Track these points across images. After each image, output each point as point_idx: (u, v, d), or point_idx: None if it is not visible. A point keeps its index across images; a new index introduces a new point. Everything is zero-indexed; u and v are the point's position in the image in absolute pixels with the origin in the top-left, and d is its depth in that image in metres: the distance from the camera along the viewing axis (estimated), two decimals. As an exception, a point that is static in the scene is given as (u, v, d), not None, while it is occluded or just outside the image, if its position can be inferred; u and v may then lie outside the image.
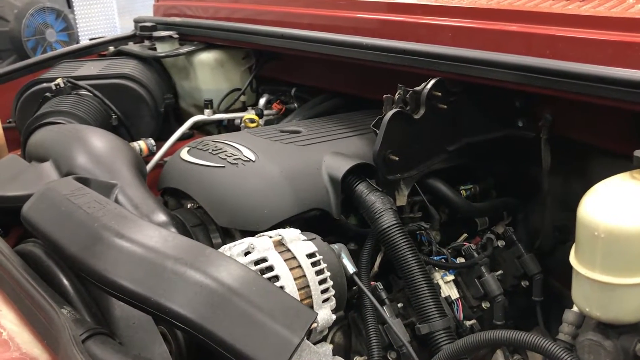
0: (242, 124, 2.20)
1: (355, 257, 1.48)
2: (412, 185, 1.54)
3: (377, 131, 1.39)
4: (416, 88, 1.44)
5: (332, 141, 1.53)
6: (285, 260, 1.17)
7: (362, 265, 1.40)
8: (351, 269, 1.30)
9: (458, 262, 1.58)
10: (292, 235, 1.23)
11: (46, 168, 1.51)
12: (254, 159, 1.38)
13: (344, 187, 1.40)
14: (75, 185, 1.23)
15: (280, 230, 1.25)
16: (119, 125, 2.05)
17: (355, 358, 1.32)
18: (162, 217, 1.35)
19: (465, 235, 1.67)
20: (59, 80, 1.94)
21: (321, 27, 1.80)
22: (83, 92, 1.99)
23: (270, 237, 1.23)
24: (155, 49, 2.38)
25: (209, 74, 2.31)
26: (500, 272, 1.62)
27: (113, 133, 2.01)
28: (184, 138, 2.24)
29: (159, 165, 1.99)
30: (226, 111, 2.25)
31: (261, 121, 2.20)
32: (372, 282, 1.41)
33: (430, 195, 1.60)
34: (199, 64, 2.30)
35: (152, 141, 1.77)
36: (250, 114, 2.11)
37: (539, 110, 1.49)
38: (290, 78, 2.29)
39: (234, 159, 1.38)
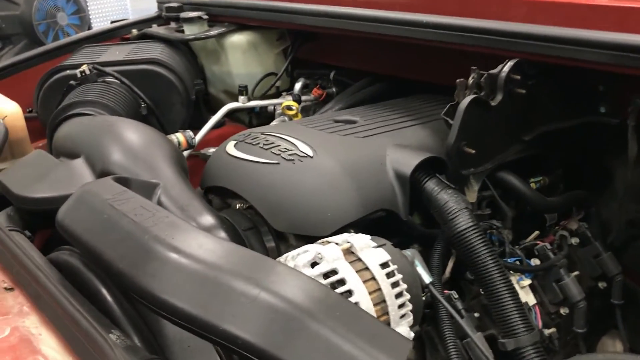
0: (279, 111, 2.05)
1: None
2: (483, 179, 1.38)
3: (450, 121, 1.23)
4: (492, 71, 1.28)
5: (393, 132, 1.38)
6: (357, 272, 1.03)
7: (433, 271, 1.25)
8: (427, 278, 1.15)
9: (533, 263, 1.43)
10: (362, 242, 1.08)
11: (78, 166, 1.36)
12: (311, 154, 1.23)
13: (411, 184, 1.25)
14: (116, 188, 1.09)
15: (347, 236, 1.10)
16: (148, 114, 1.90)
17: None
18: (210, 219, 1.20)
19: (537, 232, 1.51)
20: (84, 67, 1.79)
21: (369, 3, 1.63)
22: (110, 79, 1.84)
23: (338, 244, 1.09)
24: (182, 32, 2.22)
25: (240, 57, 2.15)
26: (576, 273, 1.47)
27: (143, 120, 1.89)
28: (216, 127, 2.09)
29: (192, 156, 1.84)
30: (261, 97, 2.10)
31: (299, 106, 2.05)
32: (445, 291, 1.26)
33: (499, 189, 1.45)
34: (231, 47, 2.13)
35: (190, 133, 1.62)
36: (288, 101, 1.96)
37: (627, 95, 1.32)
38: (329, 60, 2.12)
39: (290, 155, 1.23)
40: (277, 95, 2.18)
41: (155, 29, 2.30)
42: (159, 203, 1.22)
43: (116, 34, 2.35)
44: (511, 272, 1.38)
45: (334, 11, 1.69)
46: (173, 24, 2.30)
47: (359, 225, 1.24)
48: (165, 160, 1.33)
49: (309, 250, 1.06)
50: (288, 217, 1.17)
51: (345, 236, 1.11)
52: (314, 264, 1.03)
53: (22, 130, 1.79)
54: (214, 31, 2.11)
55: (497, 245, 1.43)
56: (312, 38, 2.06)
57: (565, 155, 1.57)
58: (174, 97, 1.94)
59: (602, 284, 1.52)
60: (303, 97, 2.07)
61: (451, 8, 1.46)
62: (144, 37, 2.30)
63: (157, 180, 1.25)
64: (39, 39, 6.03)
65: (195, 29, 2.15)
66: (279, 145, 1.26)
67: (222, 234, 1.18)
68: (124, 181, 1.18)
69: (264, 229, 1.24)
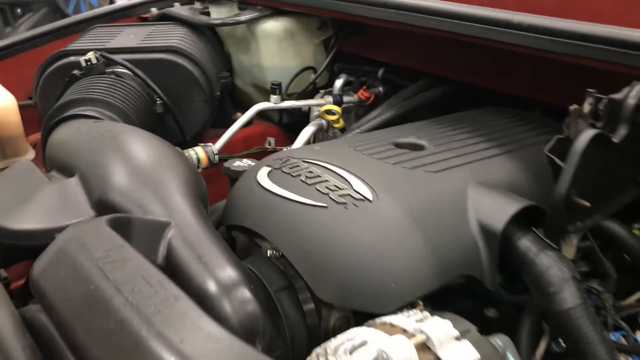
0: (316, 113, 1.74)
1: (495, 328, 1.04)
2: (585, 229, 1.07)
3: (559, 161, 0.92)
4: (614, 96, 0.96)
5: (474, 164, 1.07)
6: (437, 381, 0.74)
7: (522, 354, 0.95)
8: (523, 378, 0.86)
9: (639, 336, 1.12)
10: (442, 333, 0.79)
11: (71, 188, 1.08)
12: (370, 197, 0.92)
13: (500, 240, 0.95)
14: (112, 240, 0.80)
15: (420, 322, 0.80)
16: (164, 112, 1.61)
17: None
18: (232, 275, 0.91)
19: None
20: (90, 55, 1.50)
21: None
22: (120, 69, 1.55)
23: (406, 331, 0.80)
24: (208, 14, 1.91)
25: (275, 47, 1.84)
26: (689, 349, 1.16)
27: (157, 120, 1.61)
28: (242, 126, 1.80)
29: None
30: (297, 97, 1.79)
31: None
32: (534, 382, 0.97)
33: (598, 240, 1.14)
34: (263, 35, 1.82)
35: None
36: (328, 105, 1.65)
37: None
38: (377, 55, 1.81)
39: (341, 196, 0.93)
40: (314, 92, 1.88)
41: (177, 8, 2.00)
42: (170, 248, 0.94)
43: (132, 13, 2.06)
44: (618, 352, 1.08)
45: (400, 2, 1.37)
46: (198, 4, 2.00)
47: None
48: (180, 187, 1.04)
49: (367, 343, 0.77)
50: (336, 284, 0.87)
51: (413, 320, 0.81)
52: (378, 365, 0.74)
53: (15, 126, 1.51)
54: (245, 16, 1.80)
55: (594, 312, 1.13)
56: (361, 28, 1.74)
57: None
58: (195, 92, 1.65)
59: None
60: (345, 98, 1.76)
61: (551, 6, 1.14)
62: (164, 17, 2.00)
63: (167, 219, 0.97)
64: (59, 7, 5.76)
65: (223, 11, 1.84)
66: (327, 181, 0.96)
67: (247, 294, 0.90)
68: (124, 223, 0.90)
69: (300, 284, 0.95)
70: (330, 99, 1.73)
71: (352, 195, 0.93)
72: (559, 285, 0.90)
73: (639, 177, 1.08)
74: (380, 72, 1.79)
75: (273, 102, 1.70)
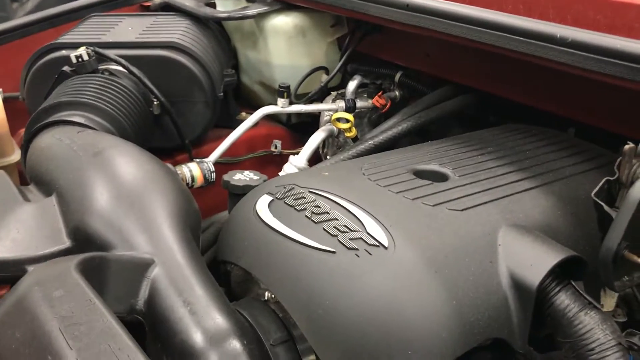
0: (326, 118, 1.61)
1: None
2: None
3: (608, 209, 0.79)
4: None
5: (503, 199, 0.93)
6: None
7: None
8: None
9: (680, 400, 0.99)
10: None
11: (47, 210, 0.96)
12: (386, 244, 0.79)
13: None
14: (79, 295, 0.68)
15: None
16: (161, 114, 1.48)
17: None
18: (221, 324, 0.79)
19: (680, 345, 1.07)
20: (81, 51, 1.37)
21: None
22: (114, 66, 1.42)
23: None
24: (214, 5, 1.77)
25: (284, 44, 1.70)
26: None
27: (154, 122, 1.48)
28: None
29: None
30: (306, 100, 1.65)
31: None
32: None
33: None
34: (272, 31, 1.69)
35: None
36: (340, 113, 1.51)
37: None
38: (395, 58, 1.66)
39: (352, 240, 0.80)
40: (326, 93, 1.74)
41: (181, -1, 1.86)
42: (153, 291, 0.82)
43: (134, 1, 1.92)
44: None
45: (418, 3, 1.23)
46: (203, -5, 1.86)
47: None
48: (169, 216, 0.92)
49: None
50: (344, 347, 0.75)
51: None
52: None
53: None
54: (253, 10, 1.66)
55: (631, 370, 1.01)
56: (379, 29, 1.60)
57: None
58: (196, 94, 1.52)
59: None
60: (358, 103, 1.62)
61: (599, 20, 1.00)
62: (167, 7, 1.86)
63: (151, 255, 0.84)
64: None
65: (229, 4, 1.71)
66: (337, 220, 0.83)
67: (238, 348, 0.78)
68: (98, 264, 0.78)
69: (299, 331, 0.83)
70: (342, 104, 1.60)
71: (365, 239, 0.80)
72: (601, 352, 0.78)
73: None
74: (398, 76, 1.65)
75: (280, 106, 1.57)
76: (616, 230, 0.76)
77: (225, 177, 1.14)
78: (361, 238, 0.80)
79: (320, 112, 1.69)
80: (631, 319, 1.04)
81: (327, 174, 0.98)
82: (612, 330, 0.80)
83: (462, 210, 0.88)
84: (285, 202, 0.89)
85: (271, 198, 0.92)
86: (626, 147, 0.81)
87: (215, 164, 1.39)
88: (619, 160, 0.82)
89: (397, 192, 0.90)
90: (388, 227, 0.82)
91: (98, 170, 0.96)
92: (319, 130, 1.62)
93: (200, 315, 0.80)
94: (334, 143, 1.70)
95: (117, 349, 0.60)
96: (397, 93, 1.68)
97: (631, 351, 0.98)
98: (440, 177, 0.98)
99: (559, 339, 0.83)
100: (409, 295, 0.76)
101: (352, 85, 1.69)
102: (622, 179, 0.81)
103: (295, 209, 0.87)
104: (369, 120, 1.73)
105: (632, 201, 0.75)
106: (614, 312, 1.02)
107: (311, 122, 1.80)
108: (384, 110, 1.61)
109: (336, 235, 0.81)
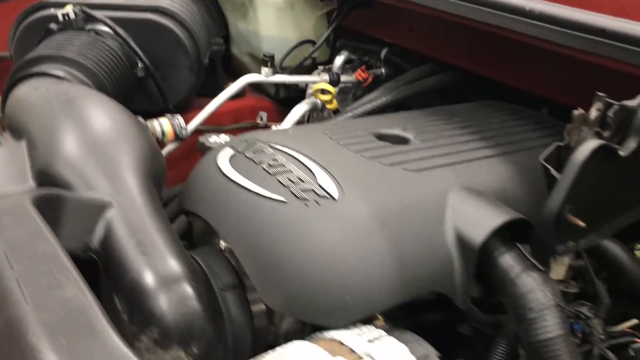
0: (310, 91, 1.63)
1: (468, 346, 0.94)
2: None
3: (554, 172, 0.80)
4: (627, 103, 0.84)
5: (461, 165, 0.95)
6: (379, 416, 0.64)
7: (490, 383, 0.85)
8: (485, 416, 0.76)
9: (626, 371, 1.01)
10: (391, 357, 0.69)
11: (17, 154, 0.98)
12: (335, 195, 0.81)
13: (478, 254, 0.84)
14: (30, 224, 0.70)
15: (370, 343, 0.70)
16: (145, 76, 1.50)
17: None
18: (173, 266, 0.82)
19: (634, 321, 1.09)
20: (68, 9, 1.40)
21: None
22: (101, 27, 1.44)
23: (354, 351, 0.70)
24: (206, -25, 1.79)
25: (273, 16, 1.71)
26: (682, 387, 1.05)
27: (137, 85, 1.50)
28: (233, 97, 1.68)
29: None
30: (291, 71, 1.67)
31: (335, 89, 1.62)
32: (504, 417, 0.87)
33: (593, 259, 1.03)
34: (262, 2, 1.70)
35: (181, 121, 1.22)
36: (322, 84, 1.53)
37: None
38: (382, 34, 1.67)
39: (304, 191, 0.82)
40: (313, 67, 1.75)
41: (175, -34, 1.87)
42: (109, 232, 0.84)
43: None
44: (599, 386, 0.97)
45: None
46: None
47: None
48: (132, 163, 0.94)
49: (309, 363, 0.67)
50: (285, 290, 0.77)
51: (365, 340, 0.71)
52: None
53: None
54: (243, -20, 1.68)
55: (579, 338, 1.03)
56: (367, 3, 1.61)
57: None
58: (181, 59, 1.54)
59: None
60: (343, 77, 1.63)
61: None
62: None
63: (110, 198, 0.87)
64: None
65: (221, -27, 1.72)
66: (291, 172, 0.85)
67: (187, 290, 0.80)
68: (54, 201, 0.80)
69: (250, 282, 0.85)
70: (326, 77, 1.61)
71: (316, 190, 0.82)
72: (539, 312, 0.80)
73: (646, 197, 0.95)
74: (383, 53, 1.66)
75: (264, 75, 1.59)
76: (558, 191, 0.78)
77: (201, 139, 1.17)
78: (312, 189, 0.82)
79: (307, 87, 1.71)
80: (585, 293, 1.06)
81: (291, 132, 1.00)
82: (553, 292, 0.82)
83: (416, 170, 0.90)
84: (245, 155, 0.92)
85: (233, 152, 0.94)
86: (575, 112, 0.82)
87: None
88: (569, 126, 0.83)
89: (355, 151, 0.92)
90: (340, 181, 0.84)
91: (68, 117, 0.99)
92: (302, 102, 1.63)
93: (152, 256, 0.82)
94: (318, 117, 1.72)
95: (56, 271, 0.62)
96: (382, 70, 1.70)
97: (579, 320, 1.00)
98: (401, 141, 1.00)
99: (501, 298, 0.86)
100: (352, 245, 0.78)
101: (339, 60, 1.70)
102: (571, 145, 0.82)
103: (253, 161, 0.89)
104: (353, 96, 1.74)
105: (575, 163, 0.77)
106: (567, 283, 1.04)
107: (299, 97, 1.80)
108: (365, 84, 1.62)
109: (288, 186, 0.83)
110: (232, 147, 0.95)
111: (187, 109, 1.65)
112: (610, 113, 0.83)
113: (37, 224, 0.70)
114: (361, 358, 0.69)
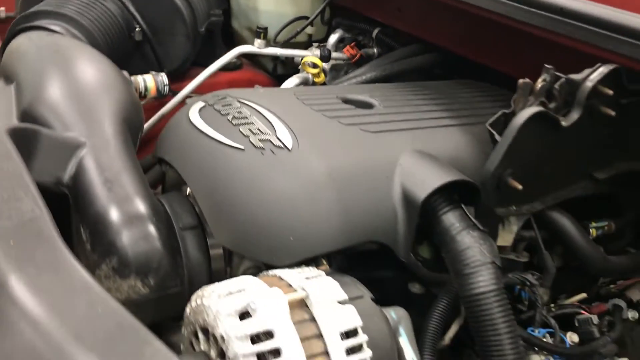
0: (300, 67, 1.68)
1: (419, 306, 0.99)
2: (528, 217, 1.01)
3: (497, 136, 0.85)
4: (573, 76, 0.88)
5: (418, 130, 1.00)
6: (303, 341, 0.70)
7: (429, 335, 0.90)
8: (411, 356, 0.81)
9: (569, 339, 1.06)
10: (325, 294, 0.75)
11: (5, 95, 1.05)
12: (290, 146, 0.87)
13: (423, 212, 0.89)
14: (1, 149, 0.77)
15: (307, 279, 0.76)
16: (143, 41, 1.56)
17: None
18: (137, 205, 0.88)
19: (582, 295, 1.14)
20: (71, -30, 1.45)
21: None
22: (102, -11, 1.51)
23: (291, 285, 0.75)
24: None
25: (271, -9, 1.77)
26: (625, 360, 1.10)
27: (134, 49, 1.56)
28: (229, 69, 1.75)
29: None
30: (284, 44, 1.72)
31: (326, 65, 1.68)
32: (437, 365, 0.92)
33: (546, 231, 1.07)
34: (261, -23, 1.76)
35: (164, 78, 1.28)
36: (312, 57, 1.58)
37: None
38: (375, 14, 1.72)
39: (261, 140, 0.88)
40: (309, 44, 1.81)
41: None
42: (79, 169, 0.90)
43: None
44: (535, 348, 1.02)
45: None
46: None
47: (342, 251, 0.91)
48: (111, 110, 1.00)
49: (244, 293, 0.73)
50: (233, 229, 0.83)
51: (303, 277, 0.77)
52: (243, 315, 0.70)
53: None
54: (244, -47, 1.73)
55: (525, 306, 1.07)
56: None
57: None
58: (178, 26, 1.60)
59: (656, 380, 1.14)
60: (335, 54, 1.68)
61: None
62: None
63: (84, 139, 0.93)
64: None
65: (224, -54, 1.77)
66: (252, 124, 0.91)
67: (148, 229, 0.87)
68: (29, 135, 0.87)
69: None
70: (317, 52, 1.66)
71: (273, 141, 0.88)
72: (475, 268, 0.85)
73: (595, 173, 1.00)
74: (375, 32, 1.71)
75: (257, 47, 1.64)
76: (497, 153, 0.83)
77: (188, 101, 1.23)
78: (269, 140, 0.88)
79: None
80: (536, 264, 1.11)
81: (262, 91, 1.06)
82: (490, 251, 0.87)
83: (373, 132, 0.95)
84: (214, 108, 0.97)
85: (204, 104, 1.00)
86: (521, 81, 0.87)
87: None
88: (515, 95, 0.88)
89: (317, 110, 0.98)
90: (296, 134, 0.89)
91: (54, 64, 1.05)
92: (294, 76, 1.69)
93: (117, 193, 0.88)
94: (309, 92, 1.77)
95: (17, 187, 0.68)
96: (375, 50, 1.74)
97: (526, 287, 1.05)
98: (366, 106, 1.05)
99: (443, 254, 0.91)
100: (299, 191, 0.84)
101: (333, 38, 1.76)
102: (516, 112, 0.87)
103: (220, 113, 0.95)
104: (345, 74, 1.79)
105: (513, 127, 0.82)
106: (518, 253, 1.09)
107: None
108: (353, 61, 1.67)
109: (248, 136, 0.89)
110: (204, 101, 1.01)
111: (183, 78, 1.71)
112: (556, 85, 0.88)
113: (7, 148, 0.76)
114: (295, 290, 0.74)
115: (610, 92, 0.86)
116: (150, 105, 1.43)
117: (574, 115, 0.87)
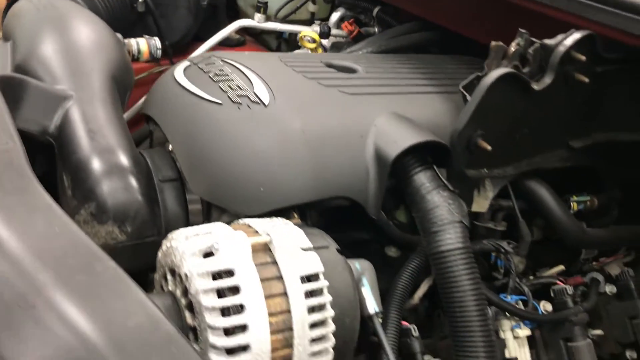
0: (299, 42, 1.70)
1: (396, 269, 1.01)
2: (504, 185, 1.02)
3: (468, 97, 0.87)
4: (547, 41, 0.89)
5: (397, 95, 1.02)
6: (263, 281, 0.72)
7: (396, 293, 0.93)
8: (372, 306, 0.83)
9: (543, 308, 1.07)
10: (288, 240, 0.77)
11: (3, 51, 1.09)
12: (266, 101, 0.90)
13: (395, 172, 0.90)
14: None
15: (274, 227, 0.79)
16: (146, 12, 1.60)
17: None
18: (118, 156, 0.91)
19: (560, 267, 1.15)
20: (77, -62, 1.49)
21: None
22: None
23: (257, 232, 0.78)
24: None
25: (275, -33, 1.79)
26: (599, 332, 1.10)
27: (137, 20, 1.60)
28: (231, 45, 1.78)
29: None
30: (284, 20, 1.75)
31: (326, 42, 1.70)
32: (404, 322, 0.94)
33: (525, 202, 1.08)
34: (266, -47, 1.78)
35: (157, 42, 1.31)
36: (310, 31, 1.60)
37: None
38: (375, -8, 1.73)
39: (239, 96, 0.90)
40: (311, 23, 1.83)
41: None
42: (65, 119, 0.94)
43: None
44: (507, 314, 1.03)
45: None
46: None
47: (316, 208, 0.93)
48: (101, 68, 1.04)
49: (211, 233, 0.76)
50: (207, 179, 0.86)
51: (271, 225, 0.80)
52: (207, 254, 0.73)
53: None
54: None
55: (501, 273, 1.09)
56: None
57: (629, 175, 1.17)
58: (180, -2, 1.63)
59: (631, 354, 1.15)
60: (334, 31, 1.70)
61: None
62: None
63: (72, 92, 0.96)
64: None
65: None
66: (232, 80, 0.94)
67: (128, 181, 0.90)
68: (17, 84, 0.90)
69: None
70: (317, 28, 1.68)
71: (250, 97, 0.90)
72: (442, 226, 0.86)
73: (571, 142, 1.00)
74: (375, 10, 1.72)
75: (257, 21, 1.67)
76: (465, 112, 0.84)
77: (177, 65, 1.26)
78: (247, 96, 0.90)
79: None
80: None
81: (247, 54, 1.08)
82: (459, 210, 0.88)
83: (351, 94, 0.97)
84: (198, 66, 1.00)
85: (189, 64, 1.03)
86: (493, 43, 0.88)
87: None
88: (488, 58, 0.89)
89: (298, 72, 1.00)
90: (274, 91, 0.92)
91: (50, 23, 1.09)
92: (294, 52, 1.71)
93: (100, 143, 0.92)
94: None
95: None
96: (375, 29, 1.76)
97: (501, 255, 1.06)
98: (348, 71, 1.07)
99: (413, 214, 0.92)
100: (272, 145, 0.86)
101: (335, 16, 1.77)
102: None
103: (203, 70, 0.98)
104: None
105: (483, 86, 0.83)
106: (496, 222, 1.10)
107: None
108: (351, 37, 1.68)
109: (226, 92, 0.91)
110: (190, 60, 1.04)
111: (185, 52, 1.75)
112: (530, 50, 0.89)
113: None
114: (260, 235, 0.77)
115: (583, 57, 0.87)
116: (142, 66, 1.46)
117: (547, 80, 0.88)
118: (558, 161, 1.02)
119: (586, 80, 0.89)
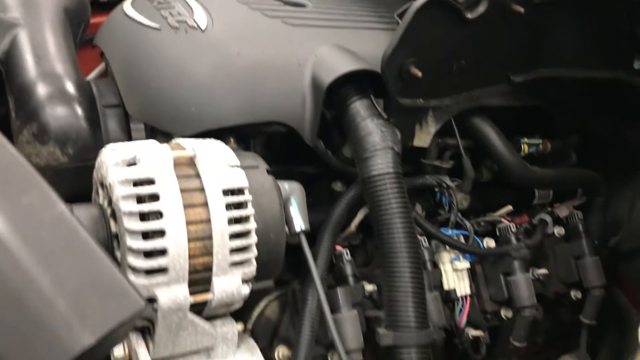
0: None
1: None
2: (447, 120, 1.03)
3: (400, 22, 0.88)
4: (482, -32, 0.90)
5: (343, 30, 1.03)
6: (184, 192, 0.74)
7: (332, 219, 0.95)
8: (298, 224, 0.85)
9: (485, 245, 1.09)
10: (214, 156, 0.79)
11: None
12: (204, 27, 0.91)
13: (331, 101, 0.92)
14: None
15: (201, 144, 0.81)
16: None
17: (277, 348, 0.91)
18: (63, 81, 0.93)
19: (508, 207, 1.16)
20: None
21: None
22: None
23: (184, 148, 0.80)
24: None
25: None
26: (544, 271, 1.12)
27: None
28: None
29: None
30: None
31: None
32: (338, 247, 0.96)
33: (473, 141, 1.09)
34: None
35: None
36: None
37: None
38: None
39: (177, 21, 0.92)
40: None
41: None
42: (13, 45, 0.96)
43: None
44: (447, 247, 1.05)
45: None
46: None
47: (258, 138, 0.96)
48: (55, 3, 1.05)
49: (135, 146, 0.78)
50: (142, 99, 0.88)
51: (199, 142, 0.82)
52: (131, 165, 0.75)
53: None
54: None
55: (445, 210, 1.10)
56: None
57: (581, 121, 1.18)
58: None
59: (575, 294, 1.17)
60: None
61: None
62: None
63: (22, 21, 0.98)
64: None
65: None
66: (173, 7, 0.95)
67: (72, 107, 0.92)
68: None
69: None
70: None
71: (188, 22, 0.92)
72: (374, 152, 0.88)
73: (511, 76, 1.01)
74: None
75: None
76: (394, 37, 0.85)
77: None
78: (185, 21, 0.92)
79: None
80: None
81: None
82: (392, 138, 0.90)
83: (294, 25, 0.99)
84: (147, -1, 1.02)
85: (139, -4, 1.05)
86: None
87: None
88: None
89: (243, 3, 1.01)
90: (214, 19, 0.93)
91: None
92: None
93: (45, 67, 0.94)
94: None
95: None
96: None
97: (444, 190, 1.08)
98: (297, 4, 1.08)
99: (349, 143, 0.94)
100: (206, 68, 0.88)
101: None
102: (423, 4, 0.89)
103: (150, 2, 0.99)
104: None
105: (410, 11, 0.84)
106: (442, 160, 1.11)
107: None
108: None
109: (166, 18, 0.93)
110: (139, -8, 1.06)
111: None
112: (466, -21, 0.89)
113: None
114: (184, 149, 0.79)
115: (517, -14, 0.88)
116: None
117: (480, 9, 0.88)
118: (500, 96, 1.02)
119: (521, 10, 0.90)
